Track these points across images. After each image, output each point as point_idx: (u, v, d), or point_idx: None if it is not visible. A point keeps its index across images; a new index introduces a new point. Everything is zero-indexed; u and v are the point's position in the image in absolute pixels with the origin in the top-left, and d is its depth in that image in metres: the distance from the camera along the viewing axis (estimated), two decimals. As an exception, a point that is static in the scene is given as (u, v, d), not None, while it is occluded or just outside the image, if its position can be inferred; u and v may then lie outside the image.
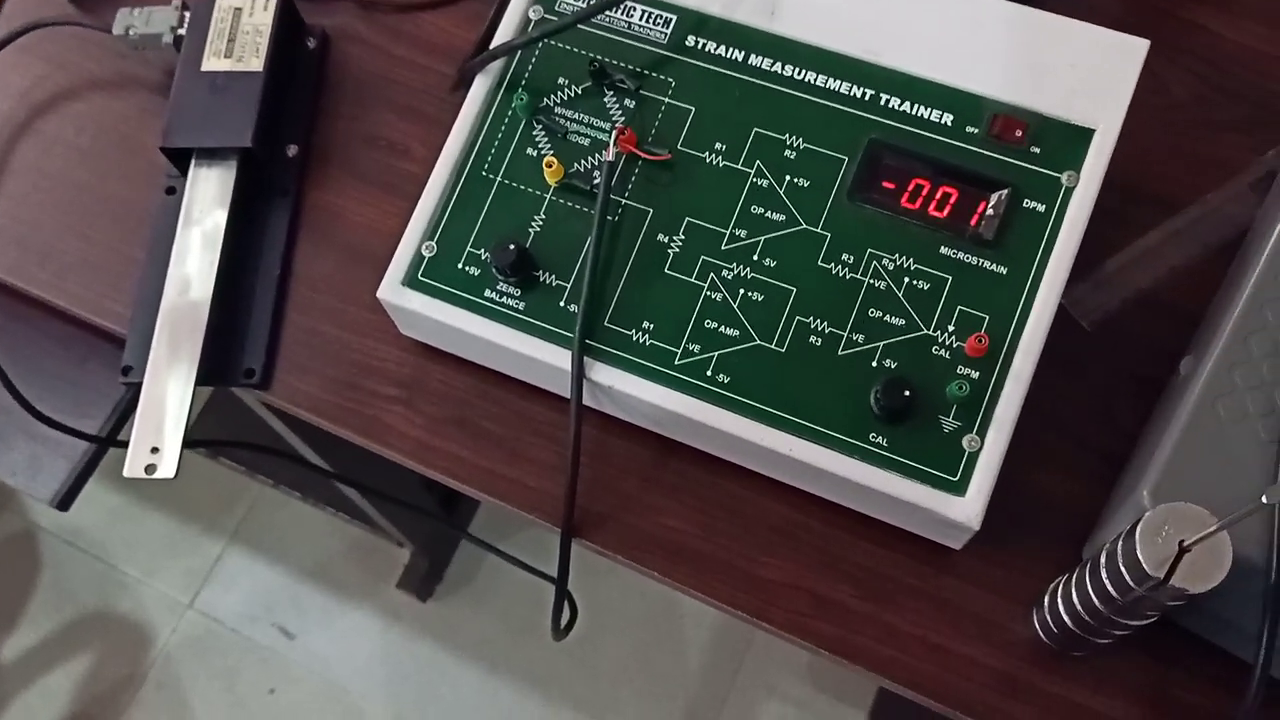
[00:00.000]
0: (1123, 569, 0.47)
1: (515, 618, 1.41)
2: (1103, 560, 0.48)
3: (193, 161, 0.66)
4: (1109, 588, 0.48)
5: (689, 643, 1.39)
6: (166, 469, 0.60)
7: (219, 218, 0.65)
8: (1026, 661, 0.56)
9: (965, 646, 0.57)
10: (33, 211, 0.70)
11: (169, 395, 0.61)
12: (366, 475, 0.85)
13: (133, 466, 0.60)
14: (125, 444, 0.61)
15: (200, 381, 0.62)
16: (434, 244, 0.60)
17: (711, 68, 0.61)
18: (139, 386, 0.62)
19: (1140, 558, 0.45)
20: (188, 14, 0.69)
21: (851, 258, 0.57)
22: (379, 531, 1.36)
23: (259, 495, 1.50)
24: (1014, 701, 0.56)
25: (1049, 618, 0.54)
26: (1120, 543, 0.47)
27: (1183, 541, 0.45)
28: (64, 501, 0.82)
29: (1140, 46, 0.58)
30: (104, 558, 1.50)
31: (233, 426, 0.86)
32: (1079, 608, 0.51)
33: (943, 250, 0.57)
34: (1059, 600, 0.53)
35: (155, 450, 0.60)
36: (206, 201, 0.65)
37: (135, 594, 1.48)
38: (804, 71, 0.60)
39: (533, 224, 0.60)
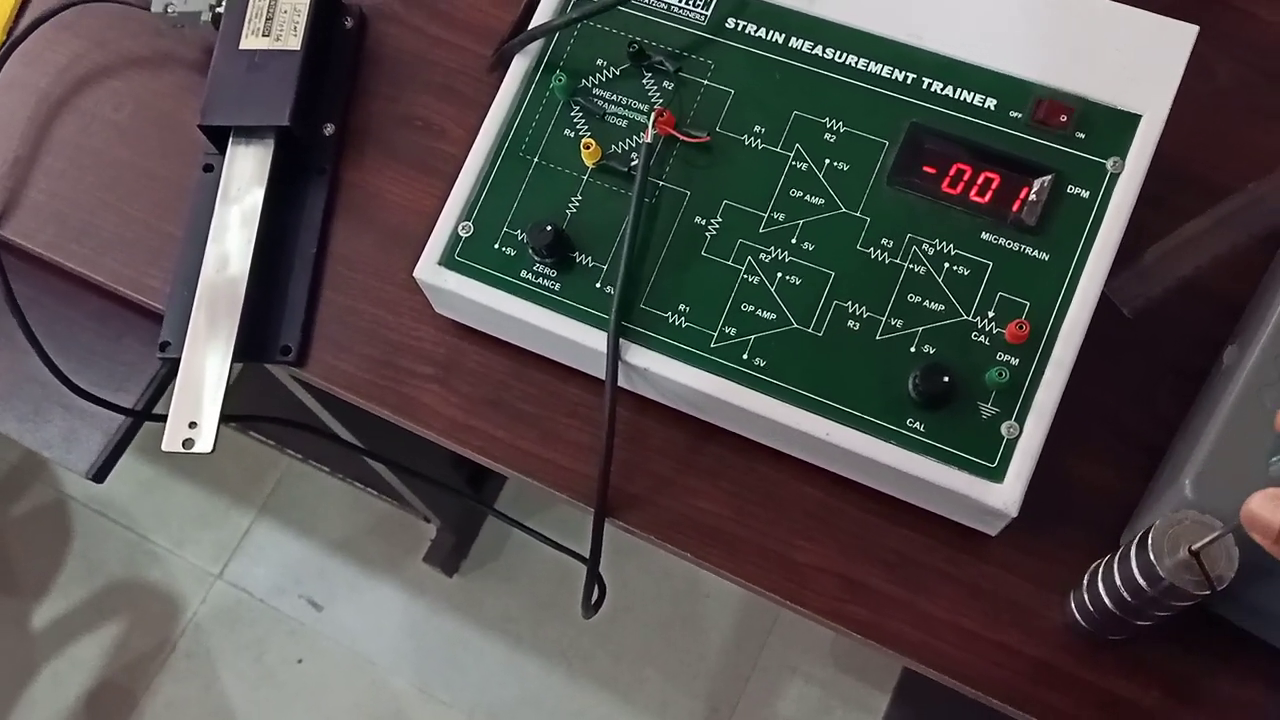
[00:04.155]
0: (1135, 569, 0.47)
1: (540, 594, 1.42)
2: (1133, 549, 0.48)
3: (231, 139, 0.66)
4: (1156, 569, 0.48)
5: (712, 622, 1.40)
6: (204, 444, 0.61)
7: (256, 195, 0.65)
8: (1061, 649, 0.56)
9: (1000, 633, 0.57)
10: (71, 187, 0.71)
11: (207, 371, 0.62)
12: (395, 451, 0.86)
13: (171, 441, 0.61)
14: (160, 418, 0.62)
15: (237, 358, 0.62)
16: (470, 224, 0.60)
17: (751, 50, 0.61)
18: (176, 362, 0.62)
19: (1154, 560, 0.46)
20: (226, -9, 0.69)
21: (891, 242, 0.57)
22: (406, 507, 1.37)
23: (288, 469, 1.51)
24: (1048, 689, 0.56)
25: (1087, 599, 0.54)
26: (1134, 543, 0.47)
27: (1191, 546, 0.46)
28: (100, 473, 0.82)
29: (1189, 32, 0.57)
30: (134, 528, 1.51)
31: (262, 401, 0.86)
32: (1121, 589, 0.51)
33: (984, 236, 0.56)
34: (1099, 582, 0.53)
35: (193, 425, 0.61)
36: (244, 179, 0.65)
37: (165, 564, 1.49)
38: (845, 54, 0.60)
39: (570, 205, 0.60)
